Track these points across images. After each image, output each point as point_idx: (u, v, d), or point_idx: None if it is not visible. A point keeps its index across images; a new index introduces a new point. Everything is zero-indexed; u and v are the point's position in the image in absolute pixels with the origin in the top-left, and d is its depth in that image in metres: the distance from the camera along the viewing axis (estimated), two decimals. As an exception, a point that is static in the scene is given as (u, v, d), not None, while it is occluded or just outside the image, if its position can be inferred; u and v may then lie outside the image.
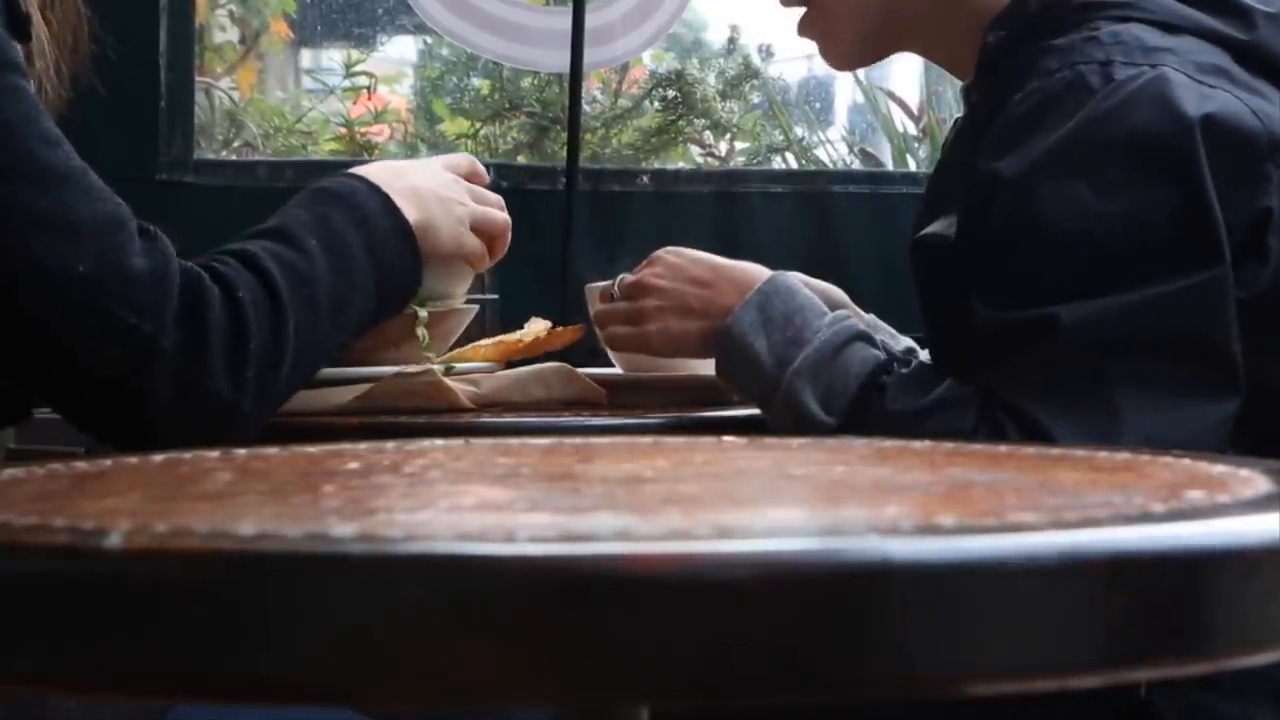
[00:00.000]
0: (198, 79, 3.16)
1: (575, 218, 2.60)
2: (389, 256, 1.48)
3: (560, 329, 1.73)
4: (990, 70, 1.52)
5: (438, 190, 1.56)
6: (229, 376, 1.31)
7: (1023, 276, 1.40)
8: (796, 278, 1.57)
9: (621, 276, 1.67)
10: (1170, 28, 1.45)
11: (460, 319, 1.68)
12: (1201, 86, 1.39)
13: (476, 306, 1.72)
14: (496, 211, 1.64)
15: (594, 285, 1.69)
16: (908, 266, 1.59)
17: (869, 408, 1.43)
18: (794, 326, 1.49)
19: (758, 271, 1.56)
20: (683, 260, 1.61)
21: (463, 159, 1.69)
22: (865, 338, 1.48)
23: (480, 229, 1.62)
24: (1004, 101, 1.44)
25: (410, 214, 1.51)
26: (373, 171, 1.54)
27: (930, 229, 1.52)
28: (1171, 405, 1.36)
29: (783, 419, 1.48)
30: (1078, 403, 1.36)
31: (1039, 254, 1.39)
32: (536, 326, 1.75)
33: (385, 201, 1.49)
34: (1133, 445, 1.33)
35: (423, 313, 1.59)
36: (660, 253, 1.64)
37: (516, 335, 1.73)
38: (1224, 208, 1.37)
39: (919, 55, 1.74)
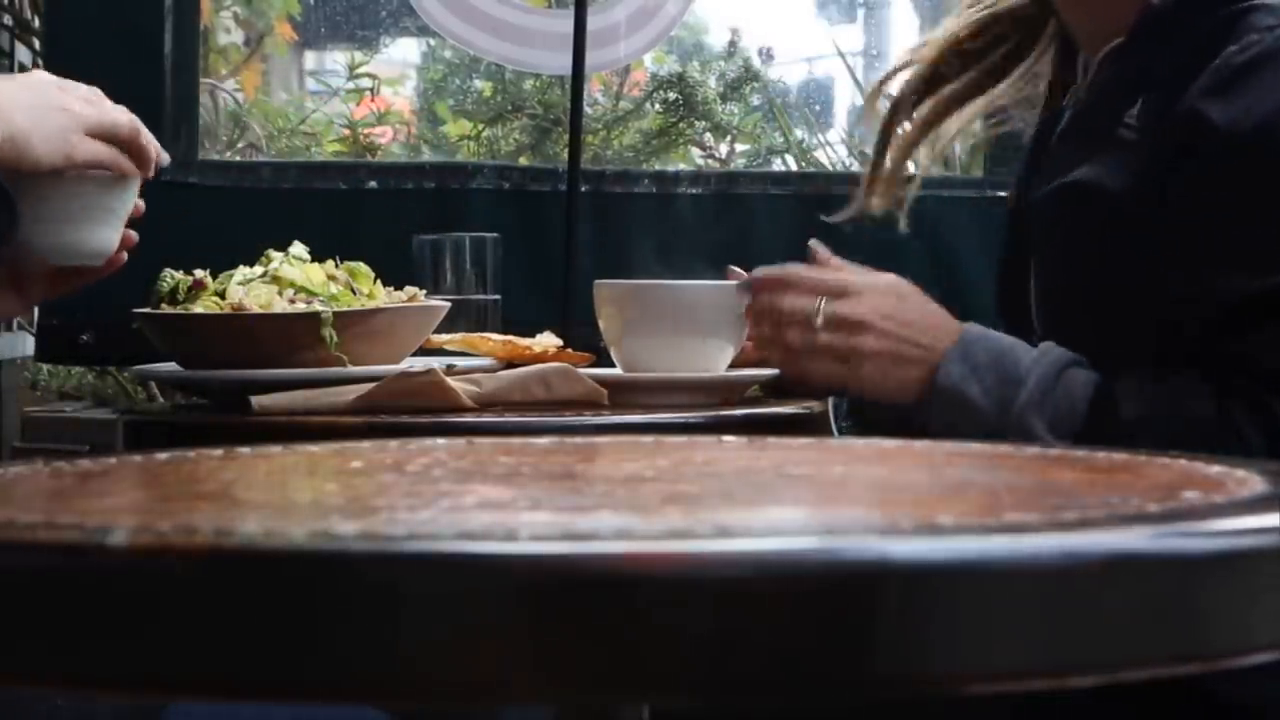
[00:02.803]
0: (202, 80, 3.16)
1: (576, 219, 2.60)
2: None
3: (571, 351, 1.71)
4: (1151, 33, 1.50)
5: (33, 98, 1.42)
6: None
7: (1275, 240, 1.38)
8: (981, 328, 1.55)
9: (758, 272, 1.56)
10: None
11: (394, 319, 1.60)
12: None
13: (430, 305, 1.65)
14: (118, 114, 1.47)
15: (603, 283, 1.67)
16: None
17: (1105, 423, 1.42)
18: (1003, 367, 1.47)
19: (947, 318, 1.52)
20: (891, 299, 1.52)
21: None
22: (1078, 361, 1.48)
23: (107, 134, 1.46)
24: (1189, 60, 1.43)
25: None
26: None
27: (1078, 175, 1.49)
28: None
29: None
30: None
31: None
32: (548, 340, 1.73)
33: None
34: None
35: (326, 313, 1.55)
36: (863, 283, 1.53)
37: (527, 342, 1.72)
38: None
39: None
